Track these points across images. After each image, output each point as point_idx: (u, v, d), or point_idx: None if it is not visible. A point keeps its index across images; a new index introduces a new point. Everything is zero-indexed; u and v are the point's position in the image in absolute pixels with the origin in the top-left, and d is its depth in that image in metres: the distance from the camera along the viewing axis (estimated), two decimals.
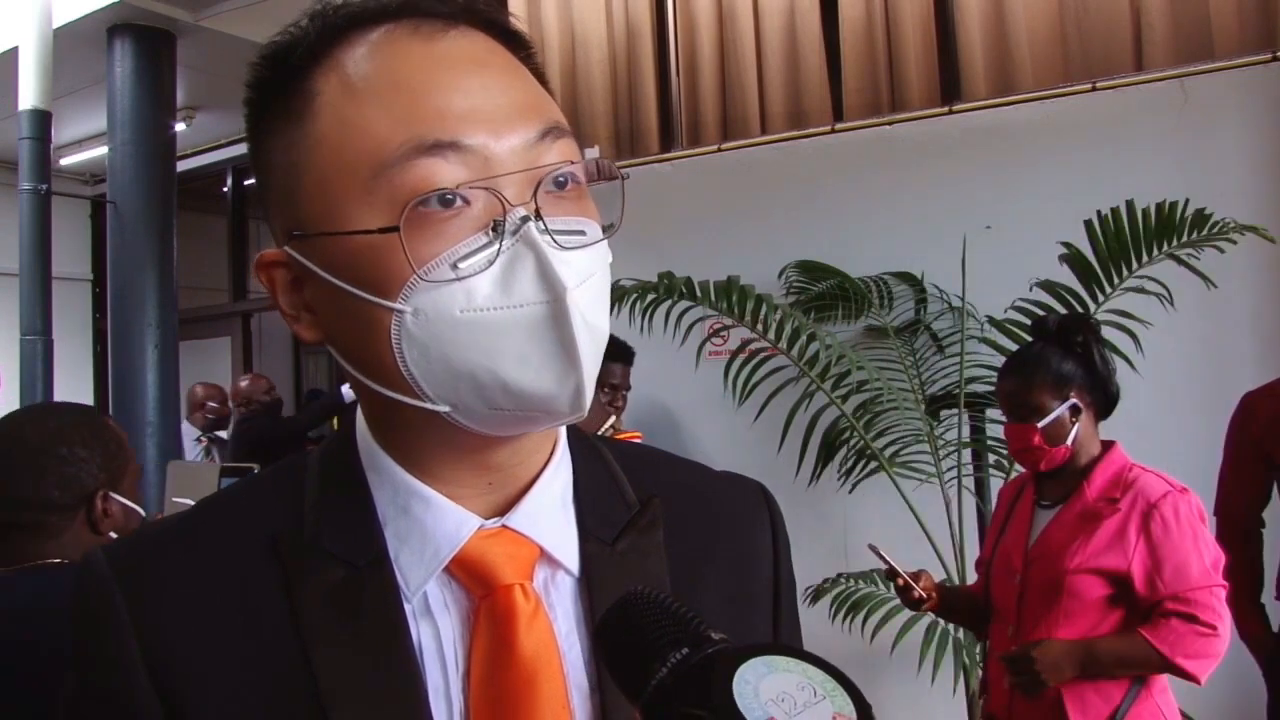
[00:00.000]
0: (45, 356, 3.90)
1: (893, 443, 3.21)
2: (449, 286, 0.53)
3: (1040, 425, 1.96)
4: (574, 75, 4.51)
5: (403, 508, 0.61)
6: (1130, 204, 2.70)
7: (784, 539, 0.74)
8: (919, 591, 2.09)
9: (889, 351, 3.40)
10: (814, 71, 4.10)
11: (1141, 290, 2.78)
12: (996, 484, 3.04)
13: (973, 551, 2.53)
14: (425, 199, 0.54)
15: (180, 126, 5.37)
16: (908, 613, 2.70)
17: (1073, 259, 2.79)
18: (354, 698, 0.56)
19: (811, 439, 3.27)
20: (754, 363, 3.21)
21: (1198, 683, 1.84)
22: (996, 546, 2.12)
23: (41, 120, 4.01)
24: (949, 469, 3.11)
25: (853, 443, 3.26)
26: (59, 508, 1.43)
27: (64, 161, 6.42)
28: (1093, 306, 2.82)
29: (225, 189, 6.98)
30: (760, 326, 3.11)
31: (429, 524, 0.60)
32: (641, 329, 3.16)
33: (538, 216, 0.54)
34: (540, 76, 0.63)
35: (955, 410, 3.15)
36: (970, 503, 3.18)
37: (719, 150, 4.15)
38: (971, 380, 3.12)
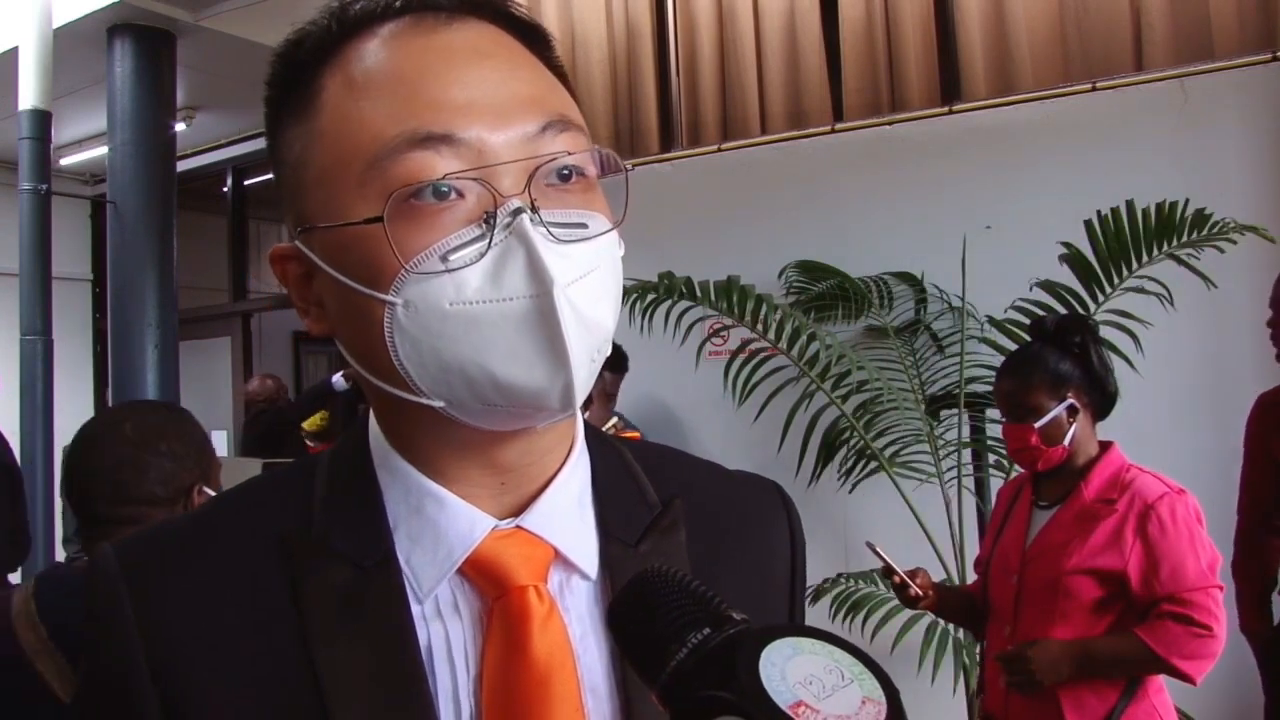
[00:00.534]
0: (45, 356, 3.90)
1: (893, 443, 3.22)
2: (438, 279, 0.53)
3: (1037, 425, 1.96)
4: (574, 75, 4.48)
5: (416, 508, 0.60)
6: (1130, 204, 2.70)
7: (801, 539, 0.74)
8: (915, 589, 2.10)
9: (889, 351, 3.40)
10: (814, 71, 4.10)
11: (1141, 290, 2.78)
12: (996, 484, 3.04)
13: (972, 551, 2.53)
14: (417, 191, 0.53)
15: (180, 126, 5.36)
16: (907, 613, 2.71)
17: (1073, 259, 2.79)
18: (357, 698, 0.56)
19: (811, 439, 3.27)
20: (754, 363, 3.21)
21: (1193, 683, 1.84)
22: (994, 546, 2.12)
23: (41, 120, 4.01)
24: (949, 469, 3.11)
25: (853, 443, 3.26)
26: (160, 502, 1.46)
27: (64, 161, 6.41)
28: (1093, 306, 2.82)
29: (225, 189, 6.97)
30: (760, 326, 3.11)
31: (442, 524, 0.59)
32: (641, 329, 3.16)
33: (533, 209, 0.54)
34: (556, 68, 0.62)
35: (955, 410, 3.15)
36: (970, 503, 3.19)
37: (719, 150, 4.15)
38: (971, 380, 3.12)
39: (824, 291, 3.45)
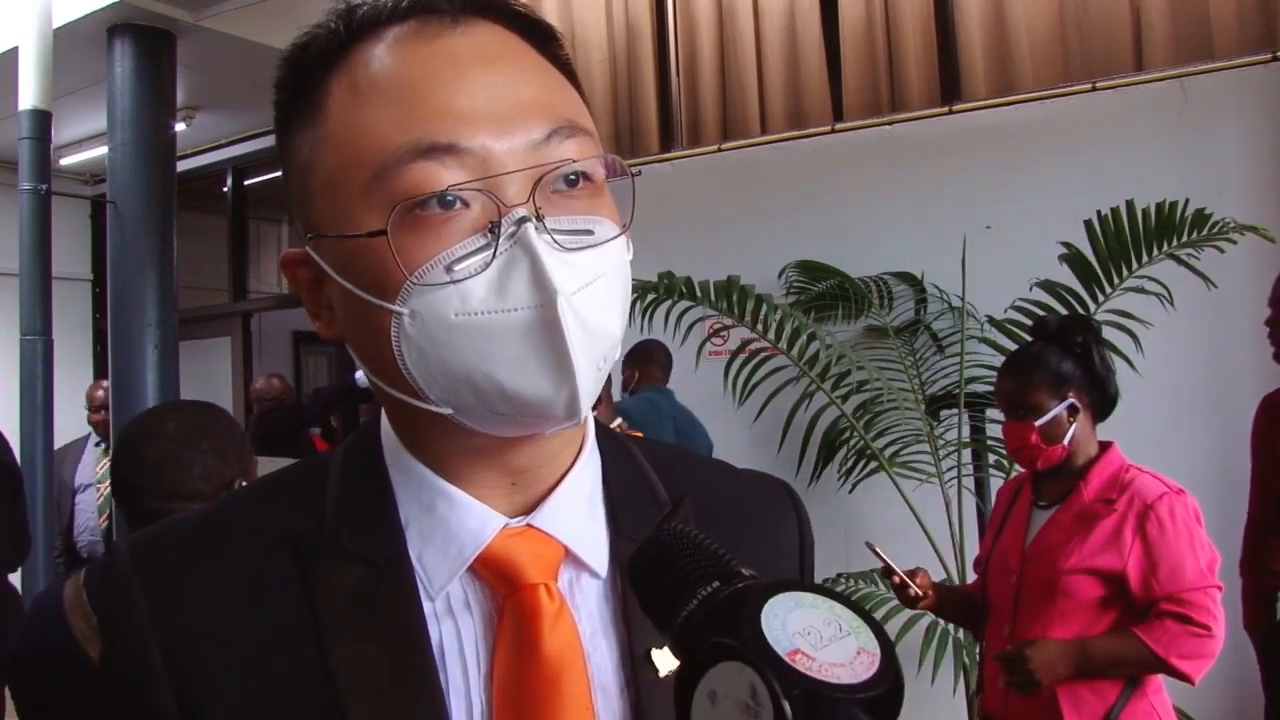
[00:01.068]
0: (45, 356, 3.89)
1: (893, 443, 3.22)
2: (443, 289, 0.53)
3: (1037, 424, 1.96)
4: None
5: (427, 506, 0.60)
6: (1130, 204, 2.70)
7: (810, 538, 0.75)
8: (915, 590, 2.10)
9: (889, 351, 3.40)
10: (814, 71, 4.10)
11: (1141, 290, 2.79)
12: (996, 484, 3.04)
13: (972, 551, 2.53)
14: (422, 201, 0.53)
15: (180, 126, 5.36)
16: (907, 613, 2.70)
17: (1073, 259, 2.80)
18: (371, 695, 0.56)
19: (811, 439, 3.27)
20: (754, 363, 3.22)
21: (1192, 683, 1.84)
22: (994, 546, 2.12)
23: (41, 120, 4.00)
24: (949, 469, 3.11)
25: (853, 443, 3.26)
26: (203, 496, 1.52)
27: (64, 161, 6.40)
28: (1093, 306, 2.82)
29: (225, 189, 6.97)
30: (760, 326, 3.11)
31: (453, 523, 0.60)
32: (642, 329, 3.16)
33: (537, 217, 0.53)
34: (566, 68, 0.61)
35: (955, 410, 3.15)
36: (970, 503, 3.19)
37: (719, 150, 4.15)
38: (971, 380, 3.12)
39: (824, 291, 3.45)
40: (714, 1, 4.33)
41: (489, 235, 0.53)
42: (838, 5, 4.05)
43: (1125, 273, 2.79)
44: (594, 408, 0.61)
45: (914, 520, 3.03)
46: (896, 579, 2.11)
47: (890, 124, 3.77)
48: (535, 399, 0.54)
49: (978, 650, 2.67)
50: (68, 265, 6.49)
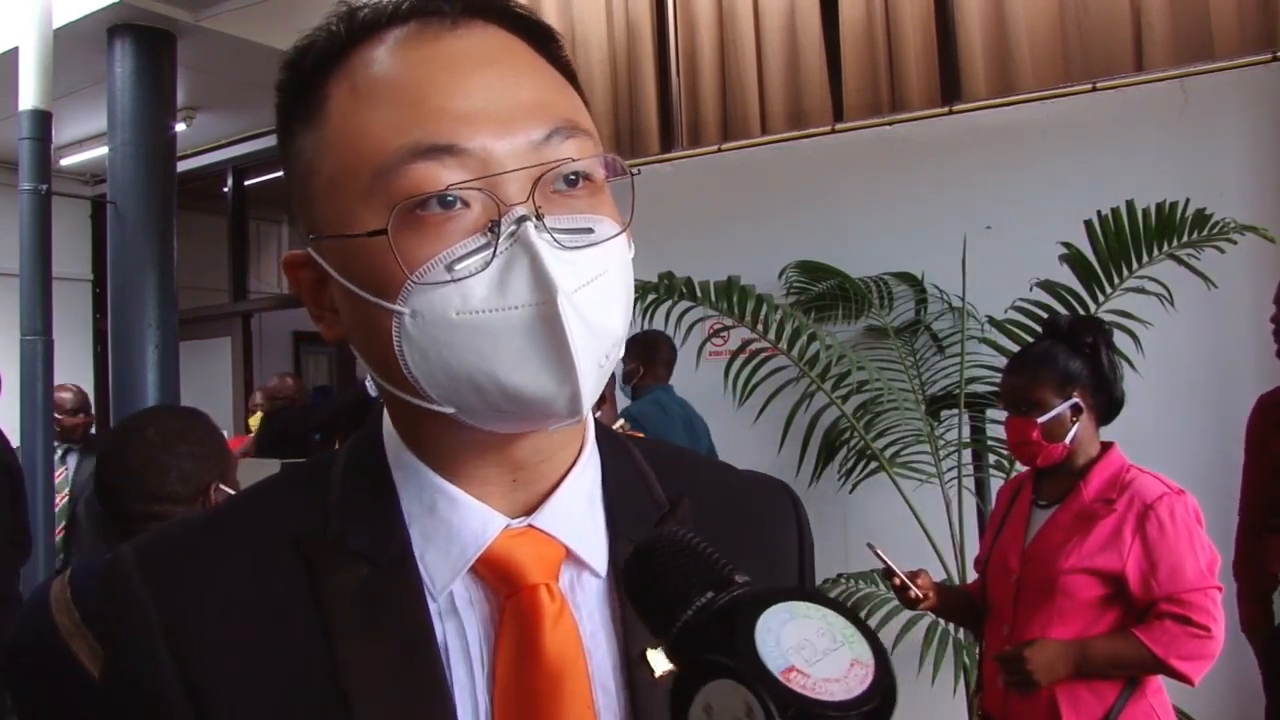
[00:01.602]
0: (45, 356, 3.89)
1: (893, 443, 3.22)
2: (444, 289, 0.53)
3: (1040, 420, 1.96)
4: None
5: (429, 506, 0.61)
6: (1130, 204, 2.70)
7: (809, 539, 0.75)
8: (916, 591, 2.10)
9: (889, 352, 3.40)
10: (814, 71, 4.10)
11: (1142, 290, 2.79)
12: (996, 484, 3.04)
13: (972, 551, 2.53)
14: (423, 201, 0.53)
15: (180, 126, 5.36)
16: (908, 613, 2.70)
17: (1073, 259, 2.79)
18: (377, 694, 0.56)
19: (812, 439, 3.27)
20: (754, 363, 3.22)
21: (1191, 684, 1.84)
22: (994, 546, 2.12)
23: (41, 120, 4.00)
24: (949, 469, 3.11)
25: (853, 443, 3.26)
26: (182, 499, 1.57)
27: (64, 161, 6.41)
28: (1093, 306, 2.82)
29: (225, 189, 6.98)
30: (760, 326, 3.11)
31: (455, 523, 0.60)
32: (642, 329, 3.16)
33: (537, 216, 0.54)
34: (566, 69, 0.61)
35: (955, 410, 3.15)
36: (970, 503, 3.18)
37: (719, 150, 4.15)
38: (972, 380, 3.12)
39: (824, 292, 3.45)
40: (714, 1, 4.33)
41: (489, 234, 0.54)
42: (838, 5, 4.05)
43: (1125, 273, 2.79)
44: (597, 407, 0.61)
45: (914, 520, 3.03)
46: (898, 581, 2.11)
47: (890, 124, 3.77)
48: (537, 396, 0.54)
49: (977, 650, 2.67)
50: (68, 265, 6.49)
